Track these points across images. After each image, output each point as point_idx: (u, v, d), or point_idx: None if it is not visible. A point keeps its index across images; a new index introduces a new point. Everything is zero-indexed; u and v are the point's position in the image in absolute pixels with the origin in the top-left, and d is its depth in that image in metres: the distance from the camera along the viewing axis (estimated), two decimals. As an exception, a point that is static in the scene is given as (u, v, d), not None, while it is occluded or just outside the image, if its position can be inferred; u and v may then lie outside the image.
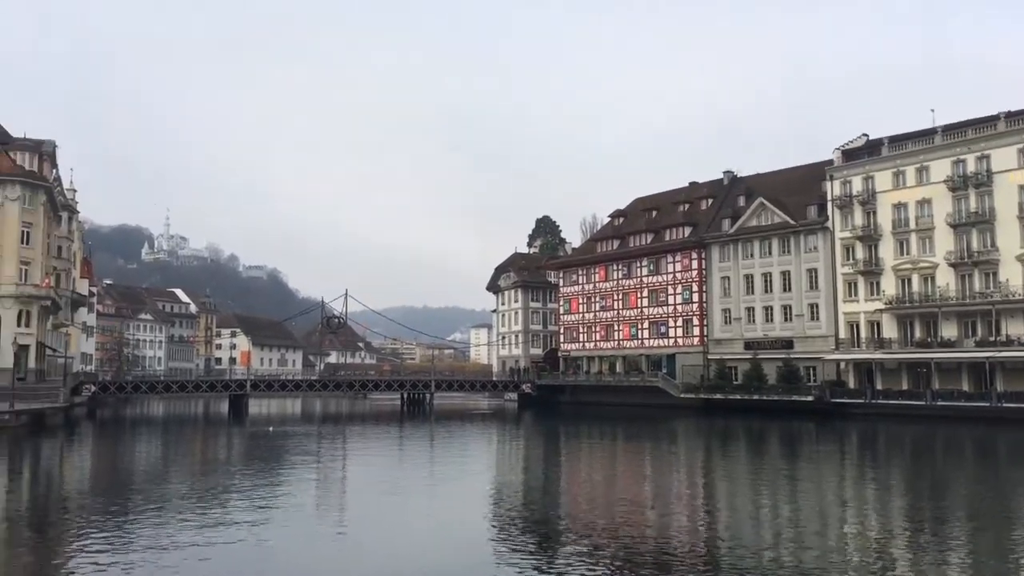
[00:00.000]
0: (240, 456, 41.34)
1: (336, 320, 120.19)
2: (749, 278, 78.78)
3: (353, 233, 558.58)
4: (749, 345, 77.55)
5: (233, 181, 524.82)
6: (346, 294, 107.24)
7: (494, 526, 21.43)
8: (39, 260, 68.03)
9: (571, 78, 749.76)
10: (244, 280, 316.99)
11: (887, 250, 69.25)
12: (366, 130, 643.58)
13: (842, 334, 71.00)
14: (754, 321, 78.03)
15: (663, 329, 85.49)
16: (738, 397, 72.40)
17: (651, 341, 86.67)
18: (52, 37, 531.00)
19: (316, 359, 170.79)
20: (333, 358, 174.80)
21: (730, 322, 79.98)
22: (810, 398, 67.04)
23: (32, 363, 66.69)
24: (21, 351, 65.05)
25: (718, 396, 74.33)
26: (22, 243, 65.75)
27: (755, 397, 70.83)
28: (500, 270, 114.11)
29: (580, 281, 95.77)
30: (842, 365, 69.94)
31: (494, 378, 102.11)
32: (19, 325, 65.12)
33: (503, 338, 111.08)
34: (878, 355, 67.34)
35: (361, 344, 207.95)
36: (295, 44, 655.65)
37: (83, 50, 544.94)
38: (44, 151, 70.10)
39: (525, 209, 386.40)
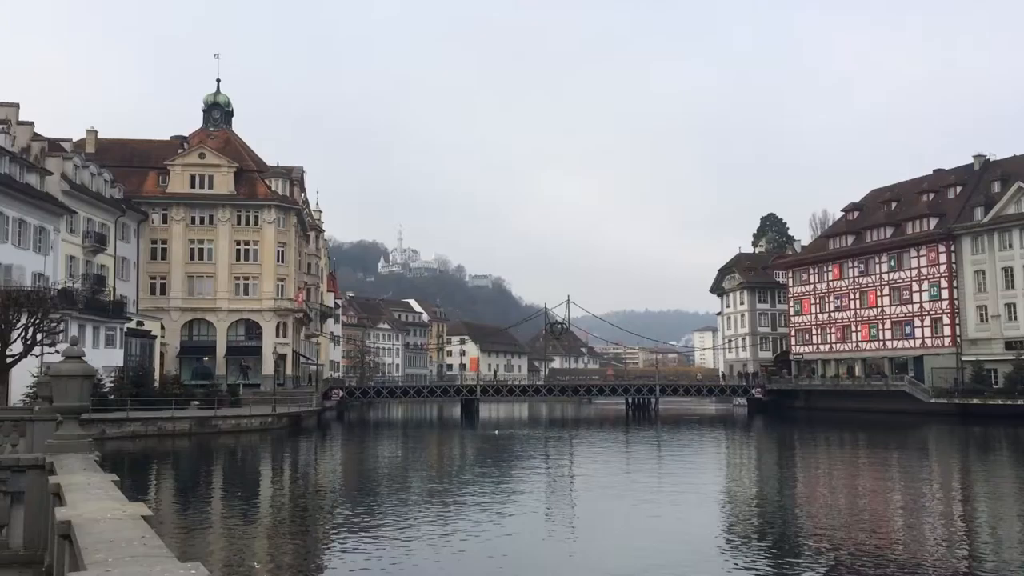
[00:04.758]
0: (473, 458, 42.92)
1: (559, 326, 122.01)
2: (1008, 271, 70.96)
3: (574, 239, 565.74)
4: (1011, 345, 69.79)
5: (458, 197, 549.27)
6: (568, 300, 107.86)
7: (727, 533, 20.65)
8: (292, 276, 74.73)
9: (794, 66, 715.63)
10: (470, 289, 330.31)
11: None
12: (584, 138, 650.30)
13: None
14: (1016, 318, 70.17)
15: (908, 329, 79.06)
16: (999, 402, 65.32)
17: (894, 342, 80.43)
18: (313, 80, 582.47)
19: (541, 364, 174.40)
20: (557, 363, 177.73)
21: (987, 320, 72.43)
22: (1089, 404, 59.13)
23: (289, 370, 73.38)
24: (280, 360, 71.71)
25: (975, 401, 67.47)
26: (278, 261, 72.51)
27: (1020, 402, 63.60)
28: (724, 271, 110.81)
29: (811, 280, 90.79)
30: None
31: (721, 382, 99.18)
32: (277, 336, 71.82)
33: (729, 341, 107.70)
34: None
35: (584, 349, 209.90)
36: (514, 63, 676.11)
37: (332, 89, 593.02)
38: (294, 177, 77.00)
39: (747, 208, 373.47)
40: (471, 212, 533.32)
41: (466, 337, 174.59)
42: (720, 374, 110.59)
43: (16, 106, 54.76)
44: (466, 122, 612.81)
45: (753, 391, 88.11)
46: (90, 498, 5.52)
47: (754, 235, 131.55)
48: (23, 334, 33.79)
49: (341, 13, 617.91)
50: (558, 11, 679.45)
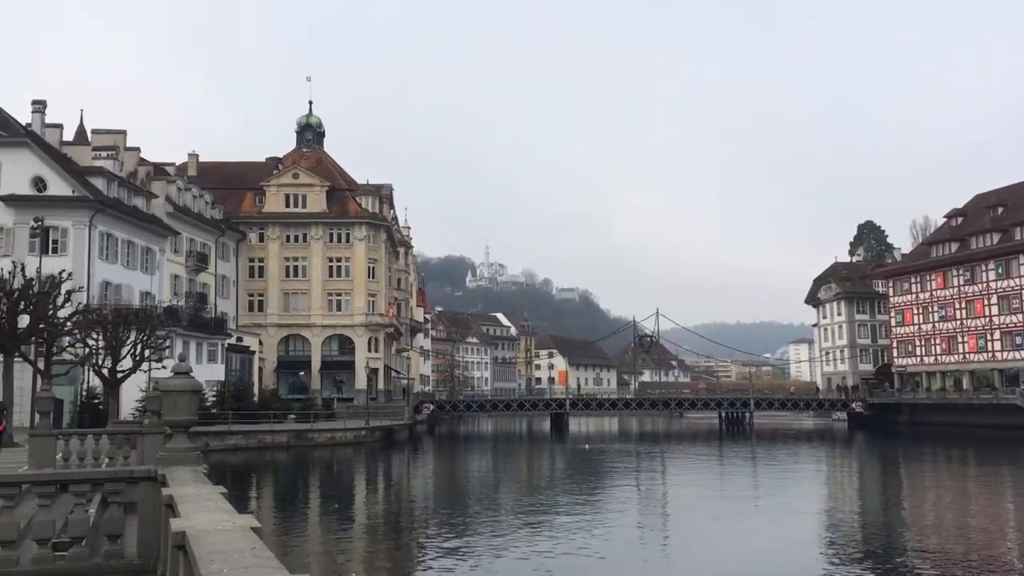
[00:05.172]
0: (563, 471, 42.70)
1: (648, 339, 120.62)
2: None
3: (660, 250, 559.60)
4: None
5: (544, 210, 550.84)
6: (657, 313, 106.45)
7: (829, 553, 19.89)
8: (383, 292, 76.13)
9: (885, 66, 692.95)
10: (557, 302, 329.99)
11: None
12: (669, 147, 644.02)
13: None
14: None
15: (1019, 340, 75.06)
16: (1123, 417, 61.30)
17: (1004, 353, 76.44)
18: (406, 101, 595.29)
19: (630, 378, 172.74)
20: (647, 376, 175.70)
21: (1107, 329, 68.18)
22: None
23: (381, 385, 74.67)
24: (372, 374, 73.04)
25: (1096, 416, 63.49)
26: (369, 277, 73.98)
27: None
28: (819, 281, 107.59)
29: (914, 289, 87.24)
30: None
31: (819, 396, 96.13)
32: (369, 351, 73.19)
33: (826, 353, 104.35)
34: None
35: (674, 362, 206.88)
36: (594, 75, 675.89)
37: (418, 106, 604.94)
38: (383, 194, 78.58)
39: (841, 216, 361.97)
40: (557, 225, 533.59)
41: (554, 351, 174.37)
42: (816, 387, 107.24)
43: (123, 133, 57.50)
44: (550, 135, 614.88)
45: (853, 405, 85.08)
46: (201, 510, 5.67)
47: (851, 243, 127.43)
48: (132, 350, 35.34)
49: (428, 32, 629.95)
50: (626, 25, 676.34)
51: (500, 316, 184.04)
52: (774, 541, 21.64)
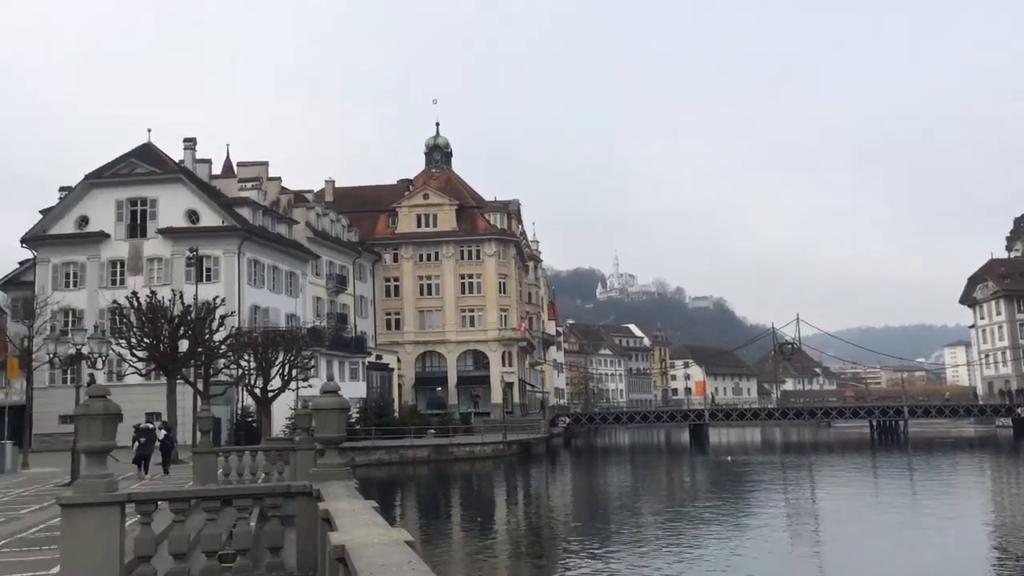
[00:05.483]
0: (705, 484, 41.62)
1: (789, 346, 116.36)
2: None
3: (796, 254, 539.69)
4: None
5: (673, 218, 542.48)
6: (797, 319, 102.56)
7: (1002, 571, 18.43)
8: (514, 306, 76.81)
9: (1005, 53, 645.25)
10: (690, 311, 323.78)
11: None
12: (801, 147, 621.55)
13: None
14: None
15: None
16: None
17: None
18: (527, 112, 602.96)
19: (771, 387, 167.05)
20: (789, 385, 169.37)
21: None
22: None
23: (516, 398, 75.24)
24: (507, 388, 73.71)
25: None
26: (500, 292, 74.83)
27: None
28: (974, 280, 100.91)
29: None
30: None
31: (980, 402, 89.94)
32: (503, 365, 73.94)
33: (986, 356, 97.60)
34: None
35: (818, 370, 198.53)
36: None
37: (540, 119, 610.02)
38: (510, 210, 79.47)
39: (994, 209, 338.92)
40: (686, 233, 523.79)
41: (689, 360, 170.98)
42: (974, 392, 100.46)
43: (265, 164, 60.62)
44: (672, 140, 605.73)
45: (1019, 410, 79.12)
46: (357, 524, 5.78)
47: (1007, 238, 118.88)
48: (280, 370, 37.05)
49: (547, 41, 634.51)
50: (755, 26, 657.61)
51: (632, 327, 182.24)
52: (938, 556, 20.27)
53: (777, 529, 25.43)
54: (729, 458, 56.37)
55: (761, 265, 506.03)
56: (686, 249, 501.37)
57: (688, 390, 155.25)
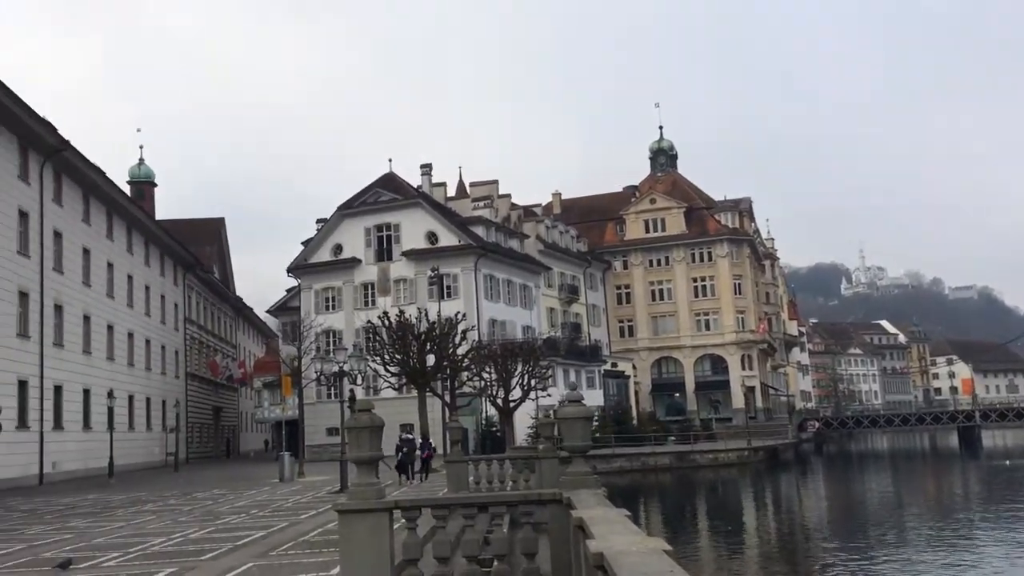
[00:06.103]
0: (980, 493, 37.76)
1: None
2: None
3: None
4: None
5: (922, 202, 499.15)
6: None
7: None
8: (751, 307, 74.08)
9: None
10: (951, 303, 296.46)
11: None
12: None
13: None
14: None
15: None
16: None
17: None
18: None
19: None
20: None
21: None
22: None
23: (759, 403, 72.42)
24: (748, 392, 71.15)
25: None
26: (735, 294, 72.51)
27: None
28: None
29: None
30: None
31: None
32: (743, 368, 71.49)
33: None
34: None
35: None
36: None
37: (772, 110, 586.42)
38: (742, 208, 76.88)
39: None
40: (941, 218, 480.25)
41: (953, 357, 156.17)
42: None
43: (495, 183, 62.94)
44: (911, 115, 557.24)
45: None
46: (612, 532, 5.74)
47: None
48: (520, 381, 38.20)
49: (772, 29, 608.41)
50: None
51: (884, 323, 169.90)
52: None
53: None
54: (1008, 463, 50.77)
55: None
56: (941, 235, 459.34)
57: (954, 389, 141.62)
